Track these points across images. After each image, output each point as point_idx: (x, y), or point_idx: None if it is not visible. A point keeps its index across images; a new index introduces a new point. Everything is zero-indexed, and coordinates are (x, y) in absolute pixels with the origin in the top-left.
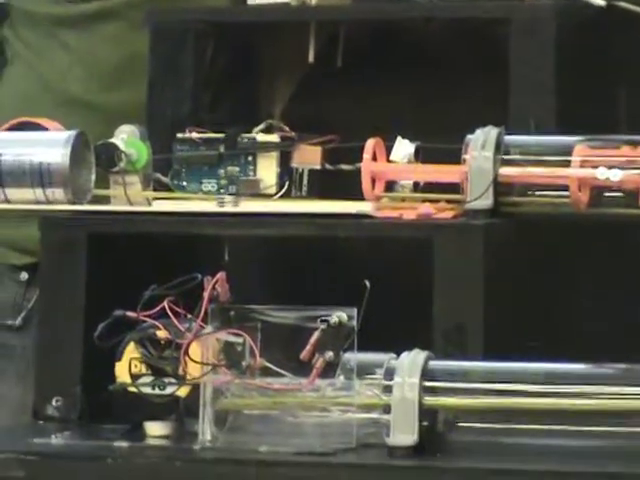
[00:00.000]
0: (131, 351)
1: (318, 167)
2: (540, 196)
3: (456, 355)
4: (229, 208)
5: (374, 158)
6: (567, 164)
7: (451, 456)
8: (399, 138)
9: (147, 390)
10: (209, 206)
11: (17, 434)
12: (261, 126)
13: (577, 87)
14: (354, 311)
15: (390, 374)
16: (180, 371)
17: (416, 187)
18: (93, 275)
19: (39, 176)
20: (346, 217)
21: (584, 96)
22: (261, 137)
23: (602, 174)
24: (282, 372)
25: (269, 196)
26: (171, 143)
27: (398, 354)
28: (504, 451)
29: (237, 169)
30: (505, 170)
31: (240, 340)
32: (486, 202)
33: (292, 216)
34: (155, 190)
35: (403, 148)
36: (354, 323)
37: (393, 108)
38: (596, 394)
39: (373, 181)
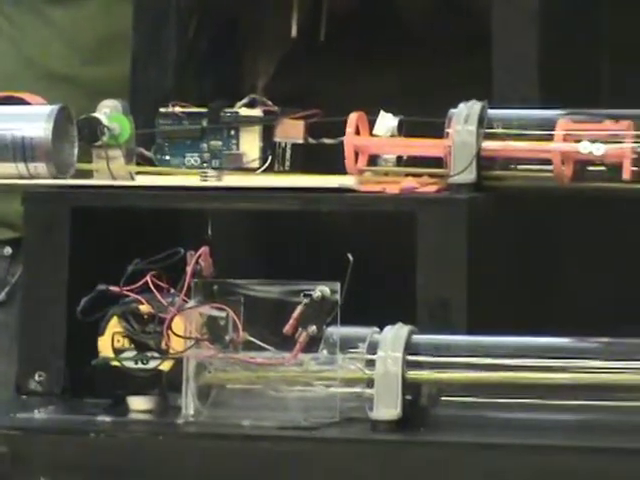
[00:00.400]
0: (114, 325)
1: (301, 141)
2: (523, 170)
3: (440, 330)
4: (212, 182)
5: (357, 132)
6: (550, 138)
7: (434, 430)
8: (382, 112)
9: (130, 364)
10: (192, 180)
11: (0, 409)
12: (244, 100)
13: (560, 61)
14: (337, 285)
15: (373, 348)
16: (163, 345)
17: (399, 161)
18: (76, 249)
19: (22, 150)
20: (329, 191)
21: (568, 70)
22: (244, 111)
23: (585, 148)
24: (265, 346)
25: (252, 170)
26: (154, 117)
27: (381, 328)
28: (488, 425)
29: (220, 143)
30: (488, 144)
31: (223, 314)
32: (469, 176)
33: (275, 190)
34: (138, 164)
35: (386, 122)
36: (337, 297)
37: (376, 82)
38: (580, 368)
39: (356, 155)
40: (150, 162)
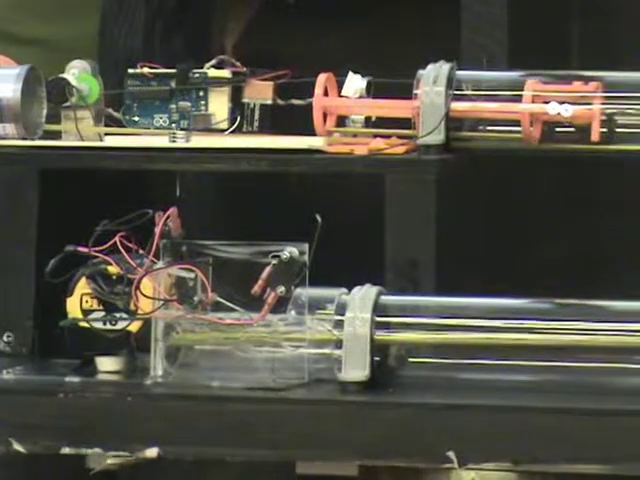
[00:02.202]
0: (82, 287)
1: (270, 102)
2: (492, 131)
3: (408, 291)
4: (181, 143)
5: (325, 93)
6: (519, 99)
7: (403, 391)
8: (350, 73)
9: (98, 325)
10: (161, 141)
11: None
12: (213, 61)
13: (529, 22)
14: (305, 246)
15: (341, 309)
16: (131, 306)
17: (367, 123)
18: (45, 211)
19: None
20: (297, 152)
21: (536, 31)
22: (213, 72)
23: (553, 109)
24: (234, 307)
25: (221, 131)
26: (122, 79)
27: (350, 290)
28: (456, 386)
29: (189, 104)
30: (457, 105)
31: (192, 275)
32: (438, 137)
33: (244, 151)
34: (107, 125)
35: (354, 83)
36: (306, 258)
37: (345, 43)
38: (548, 329)
39: (324, 116)
40: (119, 123)
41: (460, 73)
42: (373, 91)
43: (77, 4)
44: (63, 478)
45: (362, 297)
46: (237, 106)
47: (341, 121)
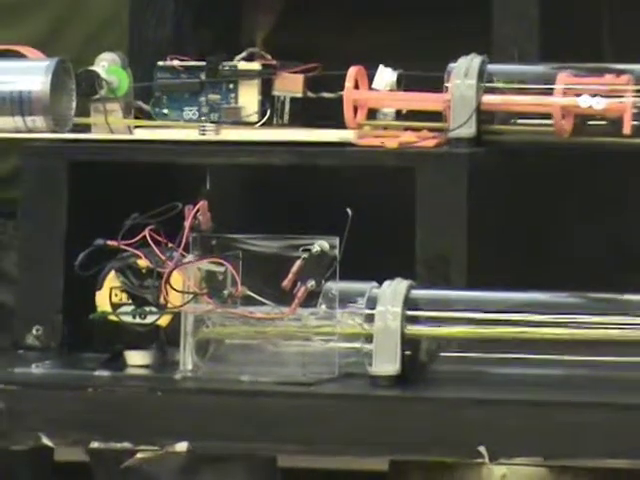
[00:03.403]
0: (112, 280)
1: (300, 95)
2: (523, 124)
3: (439, 285)
4: (210, 136)
5: (356, 86)
6: (550, 92)
7: (434, 386)
8: (381, 66)
9: (128, 319)
10: (190, 134)
11: None
12: (243, 54)
13: (560, 15)
14: (336, 240)
15: (372, 303)
16: (161, 300)
17: (398, 116)
18: (74, 204)
19: (19, 104)
20: (328, 145)
21: (567, 24)
22: (243, 65)
23: (585, 102)
24: (264, 301)
25: (250, 124)
26: (152, 71)
27: (380, 283)
28: (487, 381)
29: (218, 97)
30: (488, 98)
31: (222, 269)
32: (469, 130)
33: (273, 144)
34: (136, 118)
35: (385, 76)
36: (336, 252)
37: (376, 36)
38: (581, 323)
39: (355, 109)
40: (148, 116)
41: (491, 66)
42: (404, 84)
43: (20, 7)
44: (32, 471)
45: (393, 291)
46: (267, 99)
47: (372, 114)
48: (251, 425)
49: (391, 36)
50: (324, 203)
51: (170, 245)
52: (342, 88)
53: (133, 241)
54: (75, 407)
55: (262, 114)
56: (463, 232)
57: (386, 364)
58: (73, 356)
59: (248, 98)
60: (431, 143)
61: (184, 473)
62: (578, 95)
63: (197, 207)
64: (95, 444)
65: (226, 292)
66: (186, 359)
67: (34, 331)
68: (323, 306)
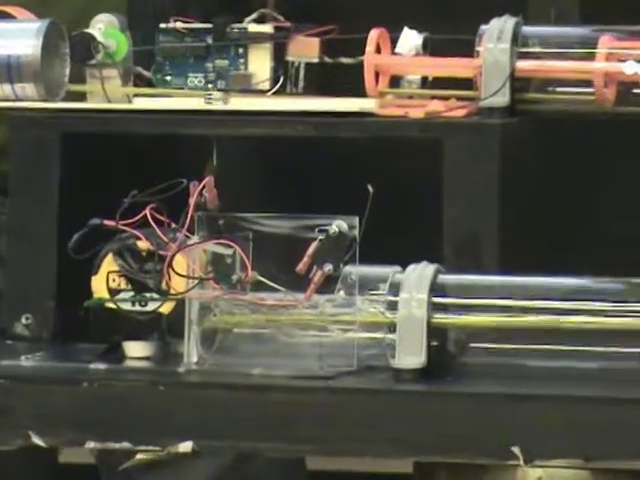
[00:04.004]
0: (109, 264)
1: (316, 60)
2: (561, 92)
3: (468, 269)
4: (217, 105)
5: (378, 50)
6: (591, 57)
7: (462, 379)
8: (405, 28)
9: (127, 306)
10: (195, 103)
11: None
12: (253, 15)
13: None
14: (356, 220)
15: (395, 289)
16: (163, 286)
17: (424, 83)
18: (67, 180)
19: (7, 70)
20: (347, 116)
21: None
22: (253, 27)
23: (630, 68)
24: (276, 287)
25: (262, 92)
26: (153, 34)
27: (404, 267)
28: (522, 374)
29: (226, 62)
30: (523, 64)
31: (230, 251)
32: (502, 99)
33: (287, 114)
34: (136, 85)
35: (410, 39)
36: (356, 233)
37: None
38: (624, 311)
39: (376, 76)
40: (149, 83)
41: (527, 28)
42: (430, 48)
43: None
44: (34, 473)
45: (418, 276)
46: (280, 65)
47: (395, 81)
48: (262, 423)
49: None
50: (342, 179)
51: (173, 225)
52: (362, 53)
53: (132, 221)
54: (69, 403)
55: (274, 81)
56: (495, 210)
57: (410, 356)
58: (66, 347)
59: (259, 64)
60: (460, 113)
61: (212, 473)
62: (622, 61)
63: (203, 183)
64: (91, 444)
65: (235, 277)
66: (191, 350)
67: (23, 319)
68: (341, 292)
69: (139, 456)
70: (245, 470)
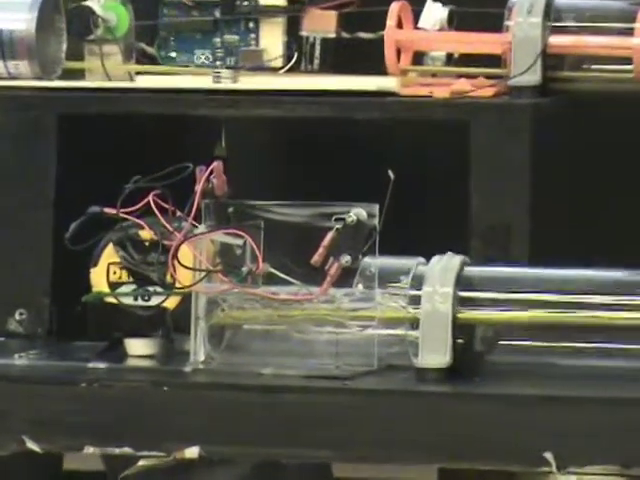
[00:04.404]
0: (109, 255)
1: (333, 36)
2: (597, 70)
3: (497, 260)
4: (226, 84)
5: (399, 25)
6: (630, 32)
7: (491, 380)
8: (429, 1)
9: (128, 301)
10: (203, 82)
11: None
12: None
13: None
14: (375, 207)
15: (418, 282)
16: (168, 278)
17: (449, 60)
18: (64, 164)
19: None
20: (366, 95)
21: None
22: (265, 0)
23: None
24: (290, 280)
25: (274, 70)
26: (157, 7)
27: (428, 259)
28: (554, 374)
29: (236, 38)
30: (556, 39)
31: (240, 242)
32: (533, 77)
33: (301, 94)
34: (138, 63)
35: (434, 13)
36: (375, 221)
37: None
38: None
39: (398, 52)
40: (152, 60)
41: (560, 1)
42: (456, 23)
43: None
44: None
45: (443, 268)
46: (294, 40)
47: (418, 58)
48: (274, 427)
49: None
50: (361, 164)
51: (178, 213)
52: (382, 27)
53: (135, 208)
54: (65, 405)
55: (288, 58)
56: (526, 197)
57: (434, 354)
58: (63, 345)
59: (271, 39)
60: (488, 92)
61: None
62: None
63: (210, 168)
64: (89, 449)
65: (245, 269)
66: (197, 348)
67: (17, 315)
68: (360, 286)
69: (142, 462)
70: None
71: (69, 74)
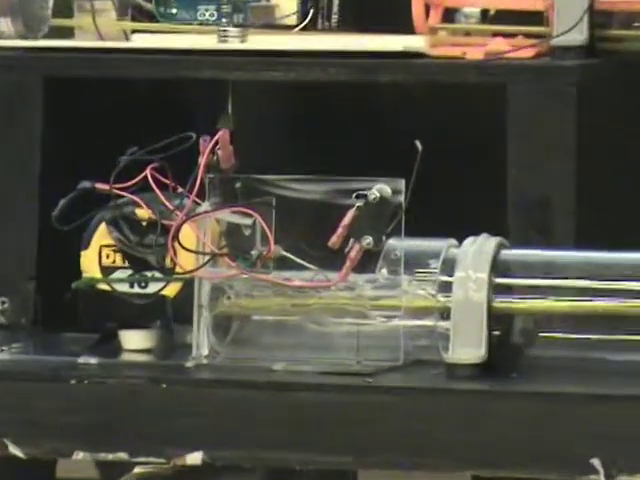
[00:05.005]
0: (102, 236)
1: None
2: None
3: (538, 243)
4: (234, 44)
5: None
6: None
7: (530, 376)
8: None
9: (123, 288)
10: (207, 41)
11: None
12: None
13: None
14: (401, 183)
15: (449, 267)
16: (167, 262)
17: (484, 17)
18: (51, 133)
19: None
20: (390, 56)
21: None
22: None
23: None
24: (304, 264)
25: (287, 28)
26: None
27: (460, 241)
28: (601, 369)
29: None
30: None
31: (249, 221)
32: (579, 37)
33: (318, 55)
34: (134, 20)
35: None
36: (401, 198)
37: None
38: None
39: (426, 9)
40: (150, 17)
41: None
42: None
43: None
44: None
45: (477, 250)
46: None
47: (449, 15)
48: (287, 429)
49: None
50: (385, 134)
51: (180, 189)
52: None
53: (130, 184)
54: (53, 405)
55: (303, 15)
56: (571, 169)
57: (467, 348)
58: (50, 337)
59: None
60: (528, 53)
61: None
62: None
63: (216, 138)
64: (79, 454)
65: (254, 252)
66: (201, 341)
67: None
68: (384, 271)
69: (138, 469)
70: None
71: (56, 32)
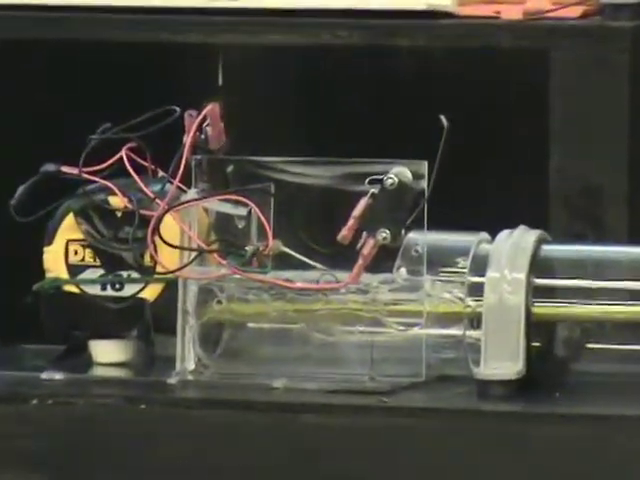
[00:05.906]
0: (69, 228)
1: None
2: None
3: (585, 237)
4: (224, 2)
5: None
6: None
7: (576, 396)
8: None
9: (94, 290)
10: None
11: None
12: None
13: None
14: (424, 165)
15: (480, 266)
16: (147, 260)
17: None
18: (10, 106)
19: None
20: (411, 16)
21: None
22: None
23: None
24: (309, 262)
25: None
26: None
27: (493, 235)
28: None
29: None
30: None
31: (243, 211)
32: None
33: (323, 14)
34: None
35: None
36: (424, 184)
37: None
38: None
39: None
40: None
41: None
42: None
43: None
44: None
45: (513, 246)
46: None
47: None
48: (288, 457)
49: None
50: (404, 107)
51: (161, 173)
52: None
53: (103, 167)
54: (12, 429)
55: None
56: (623, 151)
57: (502, 362)
58: (8, 349)
59: None
60: (574, 12)
61: None
62: None
63: (204, 113)
64: None
65: (250, 248)
66: (185, 353)
67: None
68: (402, 270)
69: None
70: None
71: None
